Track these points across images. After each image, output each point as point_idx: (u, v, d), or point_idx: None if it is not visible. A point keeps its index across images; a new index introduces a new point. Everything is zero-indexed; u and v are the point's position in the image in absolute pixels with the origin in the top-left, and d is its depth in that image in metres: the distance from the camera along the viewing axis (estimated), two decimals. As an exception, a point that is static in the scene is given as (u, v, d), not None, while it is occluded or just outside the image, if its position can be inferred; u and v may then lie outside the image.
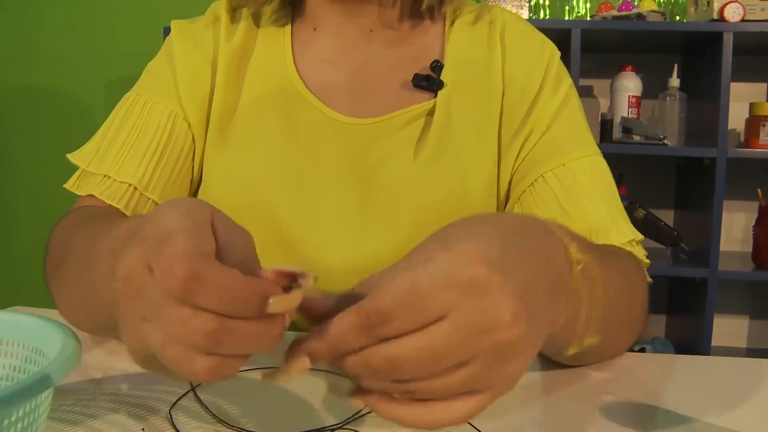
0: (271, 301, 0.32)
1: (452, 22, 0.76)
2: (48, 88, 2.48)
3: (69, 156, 0.71)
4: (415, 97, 0.72)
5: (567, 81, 0.74)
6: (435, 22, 0.77)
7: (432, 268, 0.33)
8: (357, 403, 0.35)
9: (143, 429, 0.44)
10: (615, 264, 0.54)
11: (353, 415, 0.46)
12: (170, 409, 0.47)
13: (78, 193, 0.70)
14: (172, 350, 0.31)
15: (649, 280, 0.66)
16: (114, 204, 0.67)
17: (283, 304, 0.32)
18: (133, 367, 0.55)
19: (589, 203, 0.66)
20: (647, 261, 0.67)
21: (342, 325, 0.33)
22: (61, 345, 0.37)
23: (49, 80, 2.47)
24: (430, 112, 0.71)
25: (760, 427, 0.47)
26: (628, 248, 0.65)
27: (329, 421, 0.46)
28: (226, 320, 0.31)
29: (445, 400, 0.34)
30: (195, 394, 0.50)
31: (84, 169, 0.70)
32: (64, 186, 0.71)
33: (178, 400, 0.49)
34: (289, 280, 0.34)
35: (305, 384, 0.52)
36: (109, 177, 0.68)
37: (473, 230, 0.36)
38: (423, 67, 0.74)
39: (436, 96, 0.72)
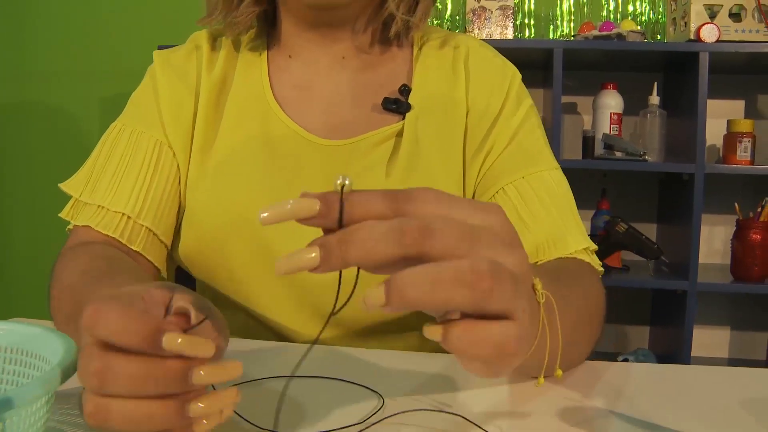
0: (164, 337, 0.35)
1: (420, 48, 0.81)
2: (42, 105, 2.50)
3: (61, 185, 0.75)
4: (385, 120, 0.76)
5: (527, 101, 0.79)
6: (403, 48, 0.81)
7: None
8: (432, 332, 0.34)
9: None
10: (573, 287, 0.58)
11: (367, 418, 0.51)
12: None
13: (73, 222, 0.73)
14: (85, 400, 0.37)
15: (601, 269, 0.71)
16: (110, 234, 0.71)
17: (175, 341, 0.35)
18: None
19: (546, 214, 0.70)
20: (601, 269, 0.71)
21: (368, 194, 0.35)
22: (62, 352, 0.41)
23: (44, 97, 2.50)
24: (399, 134, 0.75)
25: None
26: (583, 255, 0.70)
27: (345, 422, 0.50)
28: (111, 358, 0.35)
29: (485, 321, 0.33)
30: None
31: (77, 199, 0.74)
32: (59, 215, 0.74)
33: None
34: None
35: (321, 388, 0.56)
36: (103, 207, 0.72)
37: None
38: (392, 90, 0.78)
39: (404, 118, 0.76)
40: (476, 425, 0.50)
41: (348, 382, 0.58)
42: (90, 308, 0.36)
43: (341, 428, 0.49)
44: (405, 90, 0.77)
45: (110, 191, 0.72)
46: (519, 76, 0.80)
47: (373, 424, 0.50)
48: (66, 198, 0.75)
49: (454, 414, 0.52)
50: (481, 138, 0.76)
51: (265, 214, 0.34)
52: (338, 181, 0.34)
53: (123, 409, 0.35)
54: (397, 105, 0.76)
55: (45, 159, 2.51)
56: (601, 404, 0.55)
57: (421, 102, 0.77)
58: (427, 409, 0.53)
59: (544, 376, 0.54)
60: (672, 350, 2.06)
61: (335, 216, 0.34)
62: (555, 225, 0.70)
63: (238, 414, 0.50)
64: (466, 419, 0.51)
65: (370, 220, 0.34)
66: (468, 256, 0.32)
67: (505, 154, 0.75)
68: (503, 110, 0.77)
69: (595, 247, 0.72)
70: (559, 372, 0.50)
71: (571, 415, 0.52)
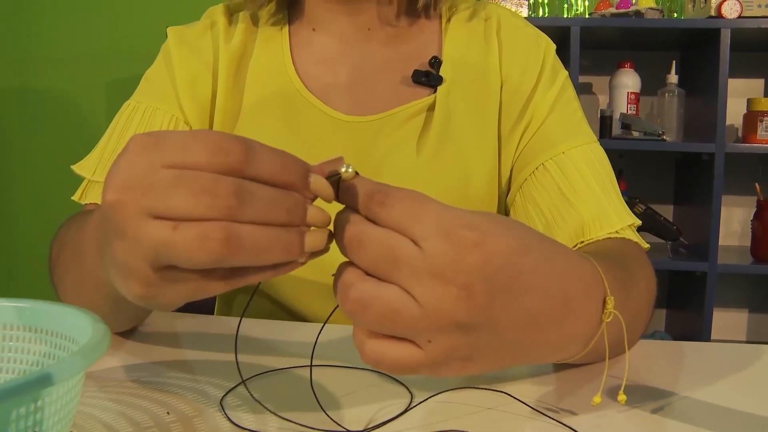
0: (312, 177, 0.35)
1: (449, 19, 0.78)
2: (49, 89, 2.49)
3: (74, 167, 0.72)
4: (415, 93, 0.74)
5: (563, 73, 0.76)
6: (431, 19, 0.78)
7: (452, 213, 0.35)
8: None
9: (168, 412, 0.46)
10: (636, 278, 0.55)
11: (398, 415, 0.48)
12: (221, 399, 0.48)
13: (83, 203, 0.71)
14: (187, 232, 0.32)
15: (647, 246, 0.69)
16: None
17: (321, 184, 0.36)
18: (154, 357, 0.57)
19: (589, 190, 0.68)
20: (647, 245, 0.69)
21: (360, 183, 0.37)
22: (91, 331, 0.39)
23: (50, 81, 2.48)
24: (431, 108, 0.73)
25: (754, 405, 0.48)
26: (629, 232, 0.67)
27: (377, 415, 0.48)
28: (244, 182, 0.33)
29: (386, 339, 0.36)
30: (245, 385, 0.52)
31: (89, 180, 0.71)
32: (72, 198, 0.72)
33: (228, 392, 0.51)
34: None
35: (347, 379, 0.54)
36: None
37: (512, 223, 0.38)
38: (421, 63, 0.75)
39: (435, 91, 0.73)
40: (525, 404, 0.47)
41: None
42: (238, 142, 0.34)
43: (396, 416, 0.46)
44: (436, 62, 0.74)
45: None
46: (553, 46, 0.77)
47: (418, 404, 0.48)
48: (73, 182, 0.72)
49: (499, 391, 0.50)
50: (518, 113, 0.73)
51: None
52: (342, 169, 0.37)
53: (254, 235, 0.33)
54: (428, 77, 0.73)
55: (51, 144, 2.49)
56: (657, 384, 0.53)
57: (452, 75, 0.74)
58: (476, 387, 0.50)
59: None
60: (689, 333, 2.04)
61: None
62: (599, 202, 0.67)
63: (267, 408, 0.48)
64: (512, 397, 0.49)
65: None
66: (383, 277, 0.35)
67: (543, 129, 0.72)
68: (539, 83, 0.74)
69: (638, 222, 0.69)
70: (623, 397, 0.46)
71: (614, 393, 0.49)
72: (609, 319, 0.42)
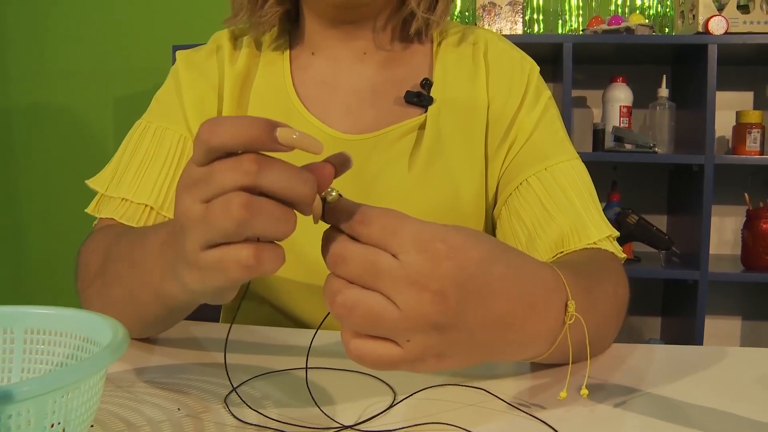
0: (278, 131, 0.38)
1: (439, 44, 0.83)
2: (57, 105, 2.53)
3: (88, 182, 0.77)
4: (407, 113, 0.79)
5: (546, 93, 0.81)
6: (423, 43, 0.83)
7: (427, 227, 0.40)
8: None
9: (179, 408, 0.51)
10: (601, 284, 0.59)
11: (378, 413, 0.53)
12: (226, 398, 0.53)
13: (98, 216, 0.75)
14: (215, 203, 0.38)
15: (624, 255, 0.73)
16: (133, 225, 0.72)
17: (291, 134, 0.38)
18: (165, 360, 0.62)
19: (569, 204, 0.72)
20: (623, 255, 0.73)
21: (343, 204, 0.41)
22: (111, 335, 0.44)
23: (58, 97, 2.52)
24: (422, 126, 0.78)
25: (712, 401, 0.53)
26: (606, 243, 0.72)
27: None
28: (260, 157, 0.38)
29: (370, 338, 0.40)
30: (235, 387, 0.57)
31: (102, 194, 0.75)
32: (86, 211, 0.76)
33: (232, 390, 0.56)
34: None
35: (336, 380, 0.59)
36: (127, 200, 0.74)
37: (482, 235, 0.43)
38: (413, 85, 0.80)
39: (426, 111, 0.78)
40: (500, 399, 0.52)
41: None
42: (203, 126, 0.38)
43: (383, 411, 0.51)
44: (426, 84, 0.79)
45: (134, 184, 0.74)
46: (537, 68, 0.82)
47: (403, 399, 0.52)
48: (82, 196, 0.76)
49: (477, 388, 0.54)
50: (503, 131, 0.78)
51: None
52: (332, 195, 0.42)
53: (268, 207, 0.39)
54: (420, 98, 0.78)
55: (60, 158, 2.53)
56: (622, 382, 0.57)
57: (442, 96, 0.79)
58: (456, 384, 0.55)
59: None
60: (683, 340, 2.08)
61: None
62: (578, 215, 0.72)
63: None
64: (488, 392, 0.53)
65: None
66: (367, 286, 0.39)
67: (526, 147, 0.77)
68: (523, 103, 0.78)
69: (616, 233, 0.73)
70: (585, 391, 0.51)
71: (593, 392, 0.54)
72: (571, 321, 0.48)
